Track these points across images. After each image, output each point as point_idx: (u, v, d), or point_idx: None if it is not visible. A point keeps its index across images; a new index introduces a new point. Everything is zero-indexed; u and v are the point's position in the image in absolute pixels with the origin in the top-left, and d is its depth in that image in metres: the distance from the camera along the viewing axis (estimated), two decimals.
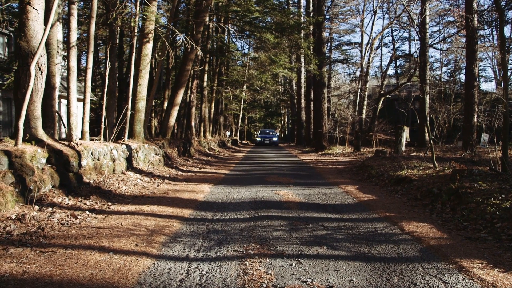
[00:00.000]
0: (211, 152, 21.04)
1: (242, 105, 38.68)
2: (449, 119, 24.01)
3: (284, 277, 3.65)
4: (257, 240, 4.84)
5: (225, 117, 36.87)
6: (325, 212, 6.55)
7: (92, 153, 8.35)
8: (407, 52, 44.39)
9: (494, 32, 33.75)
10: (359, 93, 33.98)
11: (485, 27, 26.55)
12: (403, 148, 14.65)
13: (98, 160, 8.60)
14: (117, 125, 10.23)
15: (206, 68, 22.12)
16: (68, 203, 6.45)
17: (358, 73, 39.02)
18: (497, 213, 5.35)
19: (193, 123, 19.64)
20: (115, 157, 9.37)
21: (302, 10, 29.47)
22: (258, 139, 37.77)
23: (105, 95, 9.56)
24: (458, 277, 3.63)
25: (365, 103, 32.83)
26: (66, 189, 6.98)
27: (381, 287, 3.42)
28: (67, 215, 5.69)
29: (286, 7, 27.35)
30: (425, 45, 19.71)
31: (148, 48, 12.14)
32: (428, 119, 16.34)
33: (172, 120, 14.77)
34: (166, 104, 17.31)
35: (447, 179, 7.40)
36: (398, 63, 45.30)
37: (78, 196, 6.93)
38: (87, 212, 6.00)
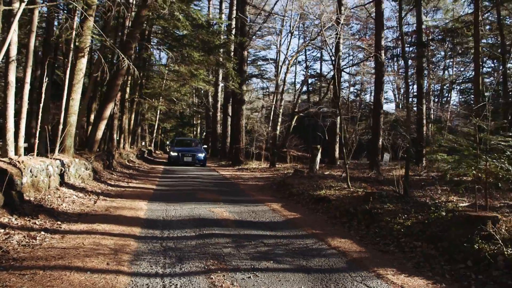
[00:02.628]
0: (131, 164, 20.97)
1: (158, 116, 38.23)
2: (356, 138, 26.76)
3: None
4: (212, 256, 5.58)
5: (141, 127, 36.33)
6: (260, 229, 7.45)
7: (31, 170, 8.33)
8: (318, 70, 48.35)
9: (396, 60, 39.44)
10: (273, 109, 35.87)
11: (389, 59, 30.75)
12: (317, 167, 16.28)
13: (36, 177, 8.58)
14: (54, 139, 10.16)
15: (129, 80, 22.06)
16: (17, 223, 6.54)
17: (272, 88, 41.11)
18: (402, 230, 6.74)
19: (115, 136, 19.51)
20: (51, 173, 9.36)
21: (223, 27, 30.53)
22: (173, 153, 24.99)
23: (40, 110, 9.49)
24: (378, 282, 4.78)
25: (279, 120, 34.82)
26: (9, 209, 6.99)
27: None
28: (24, 236, 5.87)
29: (215, 24, 27.96)
30: (340, 73, 21.98)
31: (83, 63, 12.13)
32: (341, 140, 18.35)
33: (100, 133, 14.72)
34: (92, 117, 17.08)
35: (360, 200, 8.80)
36: (310, 81, 48.86)
37: (23, 215, 6.99)
38: (42, 232, 6.20)
